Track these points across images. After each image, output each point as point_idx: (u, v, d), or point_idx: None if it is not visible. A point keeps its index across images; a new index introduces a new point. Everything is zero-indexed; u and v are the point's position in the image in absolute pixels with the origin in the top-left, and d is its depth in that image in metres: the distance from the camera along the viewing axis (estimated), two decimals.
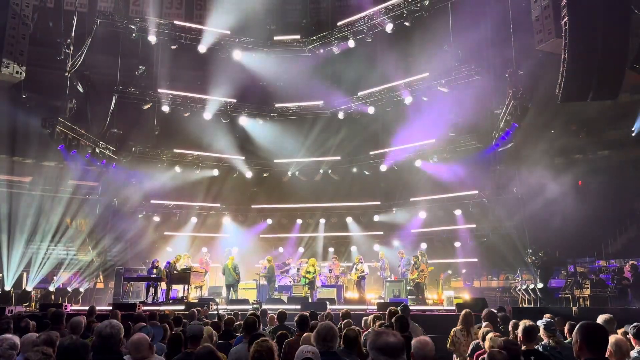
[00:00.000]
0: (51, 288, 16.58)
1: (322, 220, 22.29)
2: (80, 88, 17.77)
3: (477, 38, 16.26)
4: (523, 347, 5.10)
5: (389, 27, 18.30)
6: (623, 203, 17.07)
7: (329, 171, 22.17)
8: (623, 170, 15.71)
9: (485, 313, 7.56)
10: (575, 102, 13.21)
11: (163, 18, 19.19)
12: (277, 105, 21.74)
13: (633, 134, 15.71)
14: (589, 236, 15.89)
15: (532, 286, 14.56)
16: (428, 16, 17.79)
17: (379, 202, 21.61)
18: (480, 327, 6.79)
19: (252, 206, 22.75)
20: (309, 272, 16.51)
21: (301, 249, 22.41)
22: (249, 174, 21.95)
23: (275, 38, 21.01)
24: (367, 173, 21.14)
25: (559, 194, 15.84)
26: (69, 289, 17.05)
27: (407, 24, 17.83)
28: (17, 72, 14.09)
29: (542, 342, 5.58)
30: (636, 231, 16.67)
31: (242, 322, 7.21)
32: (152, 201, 20.57)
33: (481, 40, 16.28)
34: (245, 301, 14.73)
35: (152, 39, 18.92)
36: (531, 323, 5.27)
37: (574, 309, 11.26)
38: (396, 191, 20.97)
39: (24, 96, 16.13)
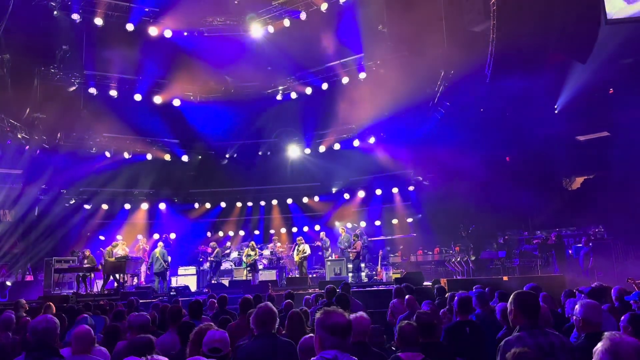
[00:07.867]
0: None
1: (262, 203, 22.19)
2: None
3: (411, 18, 16.47)
4: (458, 318, 5.31)
5: (324, 6, 18.18)
6: (548, 177, 18.10)
7: (268, 153, 22.02)
8: (548, 146, 16.62)
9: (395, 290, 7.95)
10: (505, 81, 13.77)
11: None
12: (212, 85, 21.16)
13: (556, 112, 16.60)
14: (517, 209, 16.78)
15: (465, 258, 15.21)
16: None
17: (319, 183, 21.74)
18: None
19: (190, 190, 22.25)
20: (249, 256, 16.51)
21: (242, 232, 22.25)
22: (184, 158, 21.38)
23: (208, 17, 20.33)
24: (306, 153, 21.17)
25: (488, 170, 16.56)
26: None
27: (341, 2, 17.78)
28: None
29: (476, 312, 5.84)
30: (560, 204, 17.78)
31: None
32: (81, 188, 19.64)
33: (415, 20, 16.49)
34: (185, 288, 14.47)
35: (76, 16, 17.83)
36: (465, 295, 5.49)
37: (505, 278, 11.90)
38: (335, 171, 21.15)
39: None
